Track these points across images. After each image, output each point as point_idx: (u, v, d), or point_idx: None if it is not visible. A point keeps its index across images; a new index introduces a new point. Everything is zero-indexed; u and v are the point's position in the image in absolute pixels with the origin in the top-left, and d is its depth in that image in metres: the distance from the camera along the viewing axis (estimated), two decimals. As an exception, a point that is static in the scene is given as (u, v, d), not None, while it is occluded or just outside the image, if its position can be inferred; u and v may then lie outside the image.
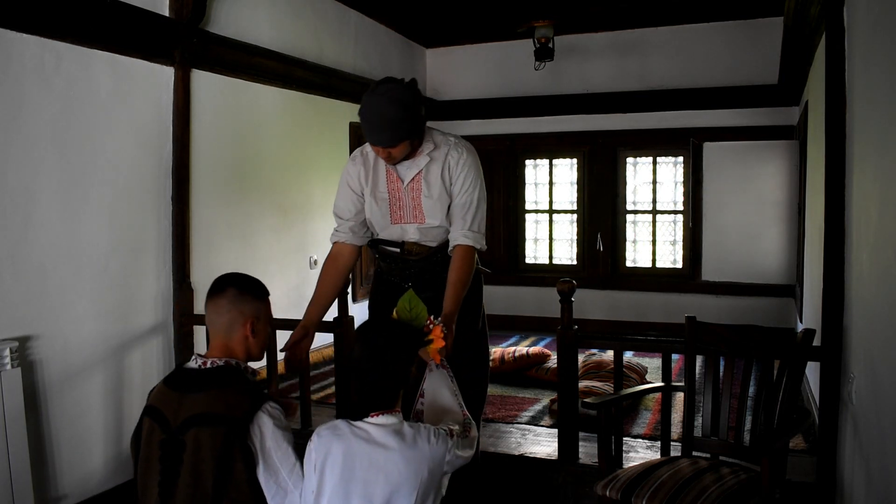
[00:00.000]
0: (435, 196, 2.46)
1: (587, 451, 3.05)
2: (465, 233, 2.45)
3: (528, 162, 6.87)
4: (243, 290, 2.02)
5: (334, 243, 2.59)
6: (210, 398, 1.85)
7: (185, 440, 1.84)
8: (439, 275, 2.51)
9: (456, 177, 2.45)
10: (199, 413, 1.84)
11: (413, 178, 2.46)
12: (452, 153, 2.45)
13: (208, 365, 1.93)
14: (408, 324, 1.94)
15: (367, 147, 2.48)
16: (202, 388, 1.87)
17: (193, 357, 1.95)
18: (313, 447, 1.78)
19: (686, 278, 6.35)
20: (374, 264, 2.78)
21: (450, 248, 2.48)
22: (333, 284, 2.56)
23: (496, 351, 4.79)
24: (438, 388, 2.00)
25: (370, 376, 1.75)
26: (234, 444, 1.81)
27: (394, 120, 2.28)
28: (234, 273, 2.06)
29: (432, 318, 2.05)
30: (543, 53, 5.82)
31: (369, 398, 1.75)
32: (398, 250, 2.52)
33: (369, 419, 1.73)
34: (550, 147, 6.73)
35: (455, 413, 1.96)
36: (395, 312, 2.01)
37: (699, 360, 2.59)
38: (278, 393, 2.21)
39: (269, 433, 1.85)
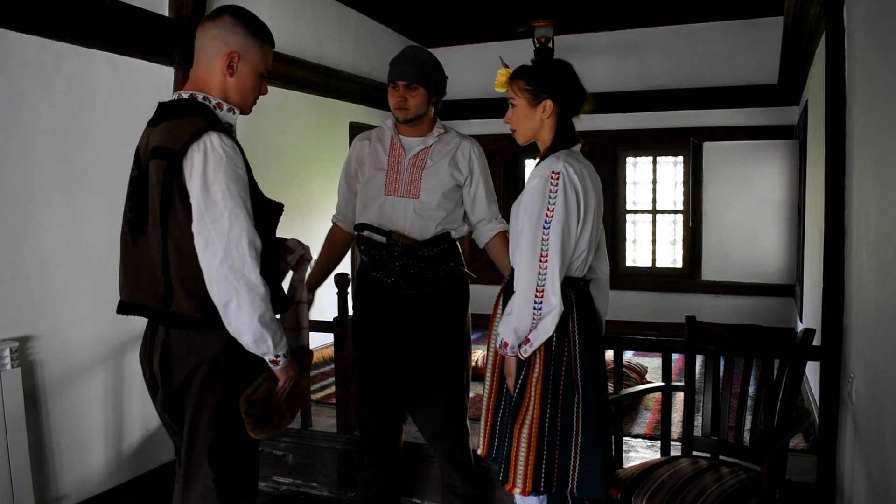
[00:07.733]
0: (438, 172, 2.52)
1: (587, 450, 3.04)
2: (501, 221, 2.65)
3: (527, 162, 6.87)
4: (238, 20, 1.76)
5: (333, 224, 2.80)
6: (163, 130, 1.70)
7: (149, 174, 1.71)
8: (424, 272, 2.50)
9: (474, 167, 2.60)
10: (154, 146, 1.70)
11: (417, 154, 2.56)
12: (465, 143, 2.61)
13: (175, 98, 1.77)
14: None
15: (375, 130, 2.68)
16: (161, 121, 1.73)
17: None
18: None
19: (686, 278, 6.35)
20: (358, 260, 2.82)
21: (487, 240, 2.66)
22: (328, 256, 2.78)
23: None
24: None
25: None
26: (172, 179, 1.64)
27: (424, 61, 2.50)
28: (242, 7, 1.80)
29: None
30: (543, 53, 5.81)
31: None
32: (384, 239, 2.51)
33: None
34: (550, 147, 6.72)
35: None
36: None
37: (699, 359, 2.58)
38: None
39: (198, 169, 1.62)
